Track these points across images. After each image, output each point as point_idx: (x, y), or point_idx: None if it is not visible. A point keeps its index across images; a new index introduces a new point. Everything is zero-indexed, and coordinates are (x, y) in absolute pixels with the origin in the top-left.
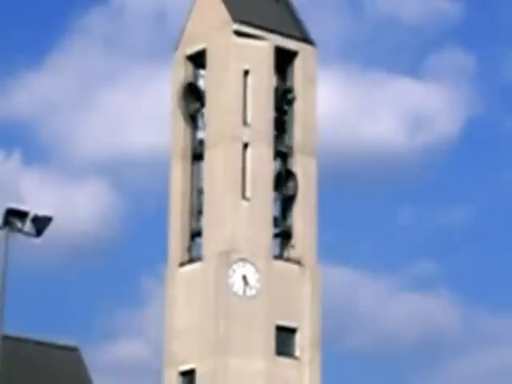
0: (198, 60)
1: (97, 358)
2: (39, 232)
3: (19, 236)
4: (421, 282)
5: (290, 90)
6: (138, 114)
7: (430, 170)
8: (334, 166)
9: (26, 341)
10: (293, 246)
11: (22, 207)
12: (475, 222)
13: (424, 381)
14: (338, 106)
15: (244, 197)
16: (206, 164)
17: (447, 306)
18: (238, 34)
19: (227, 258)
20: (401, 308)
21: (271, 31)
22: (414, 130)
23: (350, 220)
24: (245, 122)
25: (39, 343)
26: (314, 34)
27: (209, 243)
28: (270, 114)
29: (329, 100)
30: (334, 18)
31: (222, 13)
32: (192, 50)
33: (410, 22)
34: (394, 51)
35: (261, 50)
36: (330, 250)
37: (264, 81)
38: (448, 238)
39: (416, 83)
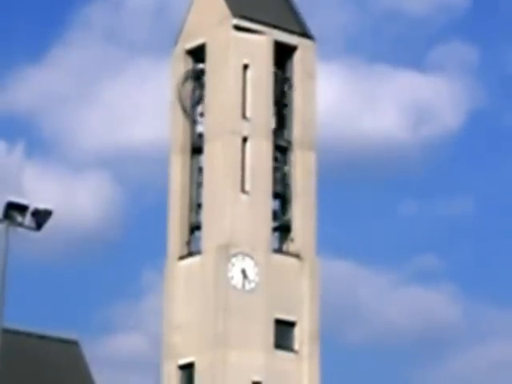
0: (197, 54)
1: (96, 352)
2: (39, 225)
3: (19, 229)
4: (422, 275)
5: (289, 85)
6: (138, 108)
7: (432, 162)
8: (336, 160)
9: (26, 334)
10: (292, 240)
11: (23, 200)
12: (477, 215)
13: (425, 375)
14: (342, 99)
15: (243, 191)
16: (205, 158)
17: (449, 300)
18: (238, 28)
19: (226, 252)
20: (401, 302)
21: (271, 26)
22: (416, 123)
23: (350, 213)
24: (244, 116)
25: (39, 337)
26: (317, 27)
27: (208, 237)
28: (269, 108)
29: (332, 94)
30: (337, 11)
31: (222, 7)
32: (192, 44)
33: (413, 14)
34: (398, 44)
35: (260, 44)
36: (330, 243)
37: (263, 75)
38: (450, 231)
39: (419, 76)
